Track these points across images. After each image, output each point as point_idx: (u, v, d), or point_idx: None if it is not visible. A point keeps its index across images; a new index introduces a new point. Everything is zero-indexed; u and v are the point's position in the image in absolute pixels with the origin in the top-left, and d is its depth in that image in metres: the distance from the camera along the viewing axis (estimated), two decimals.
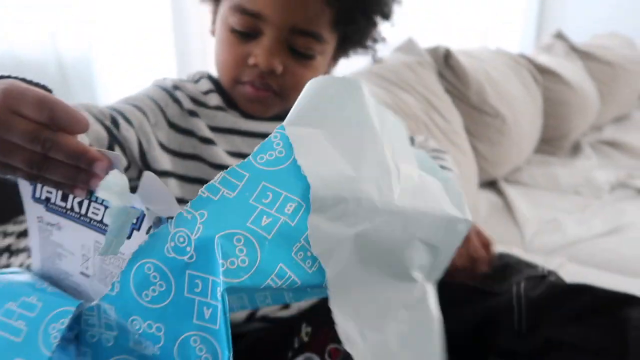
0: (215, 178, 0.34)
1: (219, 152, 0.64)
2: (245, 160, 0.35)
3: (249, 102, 0.65)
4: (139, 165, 0.62)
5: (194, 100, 0.66)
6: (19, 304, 0.37)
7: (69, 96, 2.10)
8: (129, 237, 0.38)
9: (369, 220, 0.35)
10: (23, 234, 0.70)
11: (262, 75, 0.62)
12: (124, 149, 0.59)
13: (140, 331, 0.34)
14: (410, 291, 0.38)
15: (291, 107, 0.66)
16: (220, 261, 0.32)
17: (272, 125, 0.66)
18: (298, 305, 0.67)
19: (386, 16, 0.67)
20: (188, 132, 0.64)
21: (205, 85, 0.68)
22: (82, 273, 0.42)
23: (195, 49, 1.81)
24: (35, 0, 1.90)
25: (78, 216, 0.40)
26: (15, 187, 0.73)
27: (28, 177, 0.38)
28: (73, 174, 0.36)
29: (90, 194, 0.38)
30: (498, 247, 1.21)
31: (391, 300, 0.37)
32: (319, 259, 0.34)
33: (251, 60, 0.61)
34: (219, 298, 0.32)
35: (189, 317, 0.33)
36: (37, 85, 0.44)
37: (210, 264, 0.32)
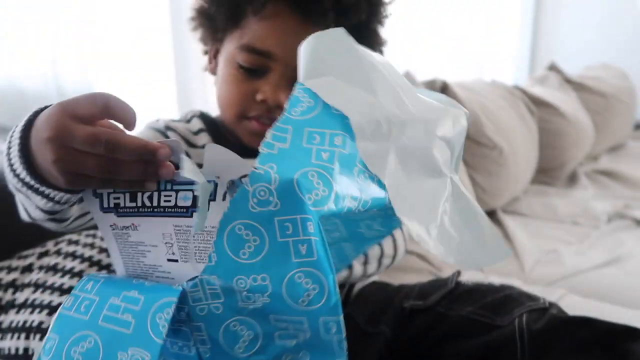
0: (266, 136, 0.38)
1: None
2: (282, 116, 0.39)
3: (254, 136, 0.67)
4: None
5: (185, 140, 0.67)
6: (121, 299, 0.40)
7: None
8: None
9: (401, 132, 0.40)
10: (27, 268, 0.70)
11: (270, 110, 0.64)
12: None
13: (247, 287, 0.36)
14: (445, 184, 0.43)
15: None
16: (306, 196, 0.35)
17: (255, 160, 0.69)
18: None
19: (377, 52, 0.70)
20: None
21: (196, 125, 0.70)
22: (169, 260, 0.43)
23: (195, 75, 1.84)
24: (35, 32, 1.93)
25: (151, 209, 0.42)
26: (18, 222, 0.74)
27: (101, 183, 0.40)
28: (141, 169, 0.39)
29: (157, 185, 0.41)
30: (497, 279, 1.21)
31: (435, 196, 0.42)
32: (377, 174, 0.39)
33: (259, 97, 0.63)
34: (311, 231, 0.35)
35: (288, 258, 0.36)
36: None
37: (295, 204, 0.35)
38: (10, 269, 0.71)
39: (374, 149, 0.39)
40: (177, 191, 0.41)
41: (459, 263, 0.40)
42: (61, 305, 0.41)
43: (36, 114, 0.42)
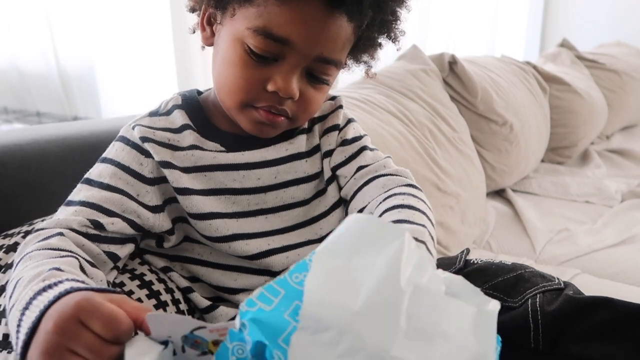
0: (255, 293, 0.37)
1: (195, 201, 0.62)
2: (282, 277, 0.37)
3: (258, 124, 0.61)
4: (143, 234, 0.63)
5: (166, 146, 0.62)
6: None
7: (73, 108, 2.09)
8: None
9: (351, 357, 0.35)
10: (12, 248, 0.67)
11: (280, 101, 0.59)
12: (116, 240, 0.58)
13: None
14: None
15: (296, 128, 0.61)
16: None
17: (253, 154, 0.65)
18: None
19: (394, 39, 0.66)
20: (165, 180, 0.62)
21: (179, 118, 0.64)
22: None
23: (196, 58, 1.80)
24: (37, 14, 1.90)
25: None
26: (4, 201, 0.70)
27: None
28: None
29: None
30: (508, 258, 1.18)
31: None
32: None
33: (271, 87, 0.57)
34: None
35: None
36: (111, 291, 0.45)
37: None
38: None
39: (311, 351, 0.35)
40: None
41: None
42: None
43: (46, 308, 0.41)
